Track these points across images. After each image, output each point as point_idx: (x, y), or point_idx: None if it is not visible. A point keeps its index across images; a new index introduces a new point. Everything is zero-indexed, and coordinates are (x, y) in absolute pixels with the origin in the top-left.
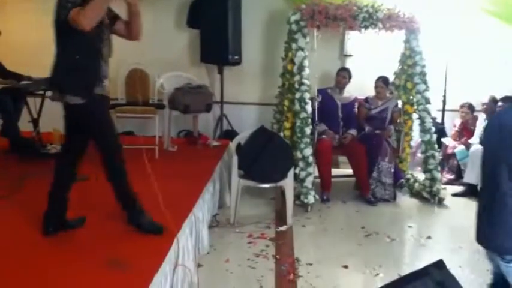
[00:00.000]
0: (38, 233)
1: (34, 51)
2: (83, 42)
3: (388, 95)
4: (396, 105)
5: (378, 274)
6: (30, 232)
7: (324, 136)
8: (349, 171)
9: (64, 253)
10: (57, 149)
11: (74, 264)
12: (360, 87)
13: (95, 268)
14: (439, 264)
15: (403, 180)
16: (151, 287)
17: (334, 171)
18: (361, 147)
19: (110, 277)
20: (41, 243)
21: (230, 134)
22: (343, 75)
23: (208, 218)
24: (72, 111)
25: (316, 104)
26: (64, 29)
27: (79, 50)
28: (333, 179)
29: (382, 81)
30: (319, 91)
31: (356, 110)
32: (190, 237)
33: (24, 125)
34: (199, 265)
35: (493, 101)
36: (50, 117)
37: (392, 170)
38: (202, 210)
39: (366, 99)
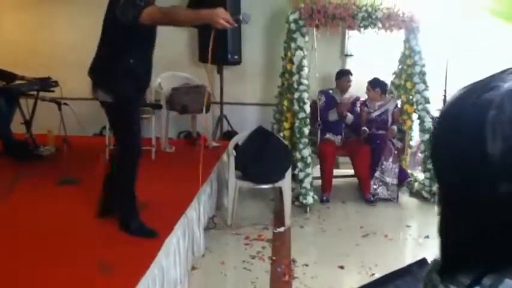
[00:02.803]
0: (26, 236)
1: (27, 51)
2: (138, 44)
3: (380, 96)
4: (396, 106)
5: (373, 274)
6: (20, 235)
7: (327, 136)
8: (349, 171)
9: (53, 256)
10: (51, 151)
11: (62, 266)
12: (361, 87)
13: (82, 271)
14: (422, 263)
15: (410, 179)
16: None
17: (334, 172)
18: (366, 147)
19: (96, 280)
20: (30, 245)
21: (230, 135)
22: (348, 79)
23: (204, 220)
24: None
25: (320, 104)
26: (123, 30)
27: (134, 52)
28: (333, 180)
29: (369, 83)
30: (322, 92)
31: (358, 109)
32: (182, 240)
33: (17, 126)
34: (193, 268)
35: None
36: (44, 119)
37: (397, 170)
38: (196, 212)
39: (365, 102)
